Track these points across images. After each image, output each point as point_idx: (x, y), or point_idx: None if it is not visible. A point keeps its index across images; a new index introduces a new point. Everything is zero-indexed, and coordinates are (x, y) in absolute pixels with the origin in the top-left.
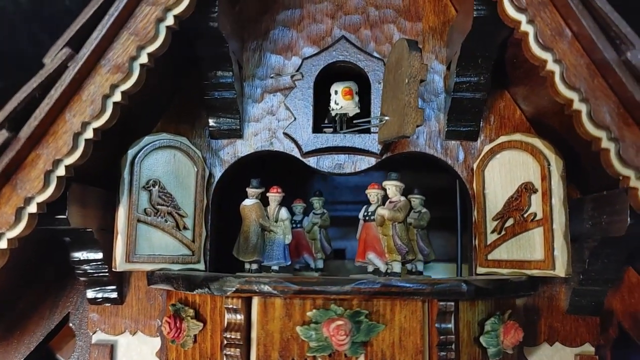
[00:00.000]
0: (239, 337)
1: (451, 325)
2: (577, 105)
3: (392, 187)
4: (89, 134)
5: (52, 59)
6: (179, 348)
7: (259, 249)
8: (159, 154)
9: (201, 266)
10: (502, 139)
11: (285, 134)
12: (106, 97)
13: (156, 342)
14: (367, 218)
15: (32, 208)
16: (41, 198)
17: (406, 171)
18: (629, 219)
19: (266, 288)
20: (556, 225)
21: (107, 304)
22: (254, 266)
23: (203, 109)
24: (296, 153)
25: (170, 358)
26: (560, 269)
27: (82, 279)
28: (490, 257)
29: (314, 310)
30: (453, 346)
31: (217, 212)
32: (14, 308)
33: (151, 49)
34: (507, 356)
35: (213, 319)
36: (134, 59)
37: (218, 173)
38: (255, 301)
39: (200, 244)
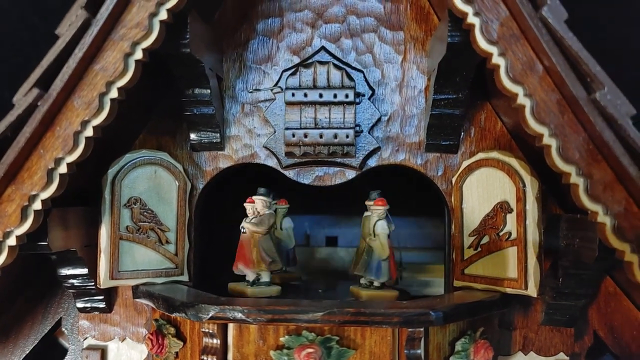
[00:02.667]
0: None
1: (420, 351)
2: (547, 140)
3: (260, 201)
4: (62, 168)
5: (20, 100)
6: None
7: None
8: (140, 171)
9: (185, 278)
10: (480, 156)
11: (265, 147)
12: (78, 133)
13: (144, 348)
14: (241, 230)
15: (12, 241)
16: (20, 231)
17: None
18: (597, 251)
19: (239, 316)
20: (529, 246)
21: (96, 312)
22: None
23: (184, 121)
24: (277, 165)
25: None
26: (532, 289)
27: (70, 291)
28: (467, 271)
29: (287, 336)
30: None
31: (202, 222)
32: (9, 312)
33: (121, 83)
34: None
35: (192, 339)
36: (104, 94)
37: (200, 185)
38: (231, 325)
39: (183, 256)
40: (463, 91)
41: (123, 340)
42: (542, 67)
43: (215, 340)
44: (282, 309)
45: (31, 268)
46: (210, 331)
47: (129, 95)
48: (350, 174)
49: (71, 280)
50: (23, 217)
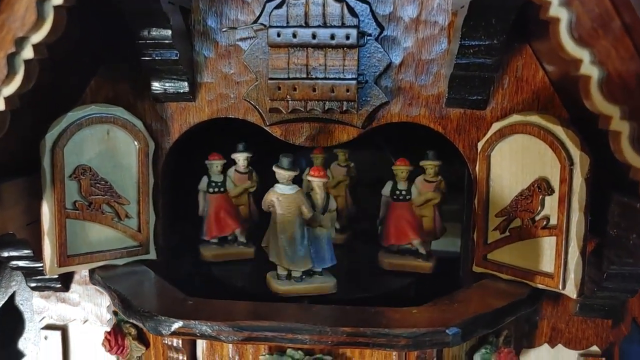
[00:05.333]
0: None
1: None
2: (617, 124)
3: (432, 167)
4: None
5: None
6: None
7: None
8: (88, 132)
9: (152, 255)
10: (515, 118)
11: (246, 100)
12: None
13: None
14: (399, 197)
15: None
16: None
17: None
18: None
19: (208, 331)
20: (572, 238)
21: (51, 291)
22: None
23: (144, 67)
24: (259, 122)
25: None
26: (572, 290)
27: (18, 271)
28: (490, 257)
29: (267, 355)
30: None
31: (170, 185)
32: None
33: (37, 37)
34: None
35: (156, 345)
36: (14, 54)
37: (167, 144)
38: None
39: (147, 232)
40: (499, 36)
41: (85, 322)
42: (621, 24)
43: (180, 356)
44: (261, 325)
45: None
46: (175, 345)
47: (57, 48)
48: (351, 133)
49: (15, 262)
50: None
